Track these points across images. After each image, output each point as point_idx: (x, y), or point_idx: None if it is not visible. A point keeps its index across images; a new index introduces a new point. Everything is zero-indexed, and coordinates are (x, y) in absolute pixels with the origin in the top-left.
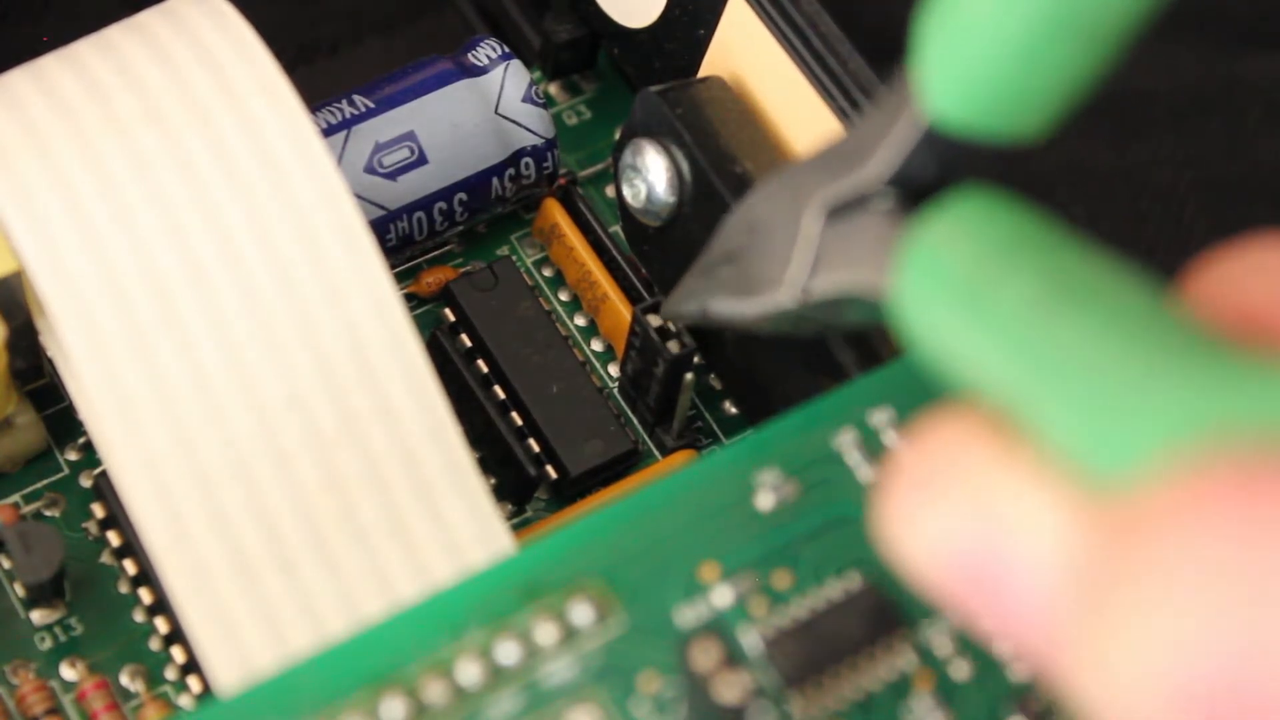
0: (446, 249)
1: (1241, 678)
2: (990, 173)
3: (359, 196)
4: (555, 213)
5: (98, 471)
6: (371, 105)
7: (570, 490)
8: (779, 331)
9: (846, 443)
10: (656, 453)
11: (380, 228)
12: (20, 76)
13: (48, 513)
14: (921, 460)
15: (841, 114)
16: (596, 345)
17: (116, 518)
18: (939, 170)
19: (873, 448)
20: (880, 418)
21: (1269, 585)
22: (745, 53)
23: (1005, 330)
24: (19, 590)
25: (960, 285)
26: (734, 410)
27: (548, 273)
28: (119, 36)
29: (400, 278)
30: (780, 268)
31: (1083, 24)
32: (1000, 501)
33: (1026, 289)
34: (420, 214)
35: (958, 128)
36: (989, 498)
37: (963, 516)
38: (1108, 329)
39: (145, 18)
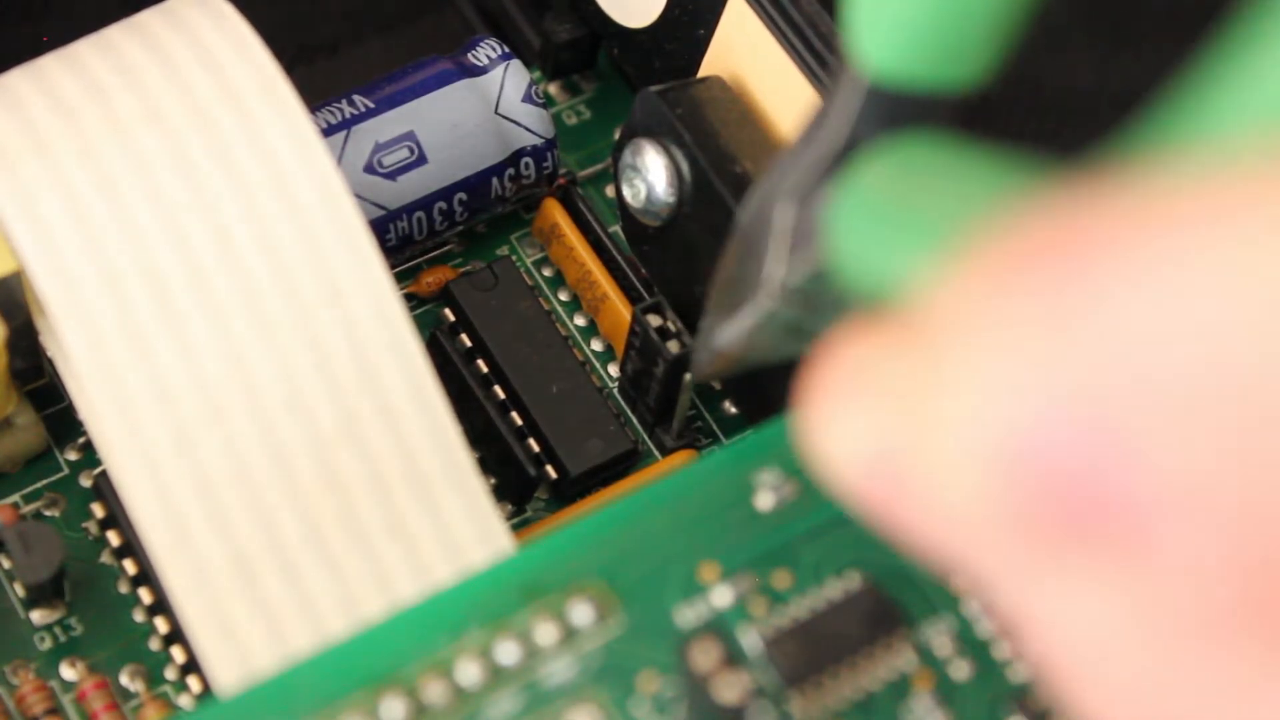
0: (446, 249)
1: (1057, 423)
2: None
3: (359, 196)
4: (555, 213)
5: (98, 471)
6: (371, 105)
7: (570, 490)
8: (786, 353)
9: None
10: (656, 453)
11: (380, 228)
12: (20, 76)
13: (48, 513)
14: (835, 369)
15: None
16: (596, 345)
17: (116, 518)
18: (891, 131)
19: None
20: None
21: (1042, 344)
22: (745, 53)
23: (909, 232)
24: (19, 590)
25: (877, 203)
26: (734, 410)
27: (548, 273)
28: (119, 36)
29: (400, 278)
30: (762, 271)
31: None
32: (903, 401)
33: (931, 197)
34: (420, 214)
35: (895, 81)
36: (892, 400)
37: (871, 420)
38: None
39: (145, 18)
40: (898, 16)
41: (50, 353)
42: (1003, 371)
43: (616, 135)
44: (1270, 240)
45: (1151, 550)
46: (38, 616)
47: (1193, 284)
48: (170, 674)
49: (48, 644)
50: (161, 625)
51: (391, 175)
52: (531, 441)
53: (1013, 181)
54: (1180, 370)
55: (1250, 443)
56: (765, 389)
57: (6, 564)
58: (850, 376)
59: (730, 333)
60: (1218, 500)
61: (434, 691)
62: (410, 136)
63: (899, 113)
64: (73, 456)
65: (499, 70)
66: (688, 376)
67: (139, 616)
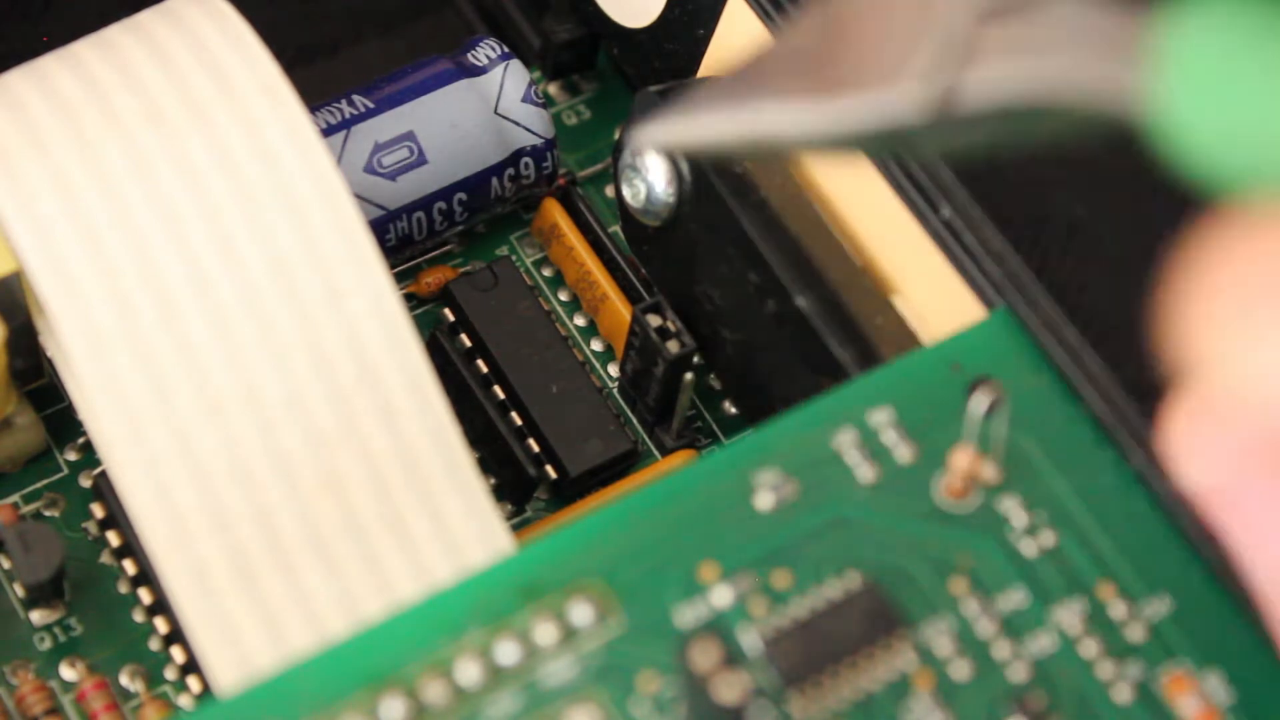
0: (446, 249)
1: None
2: None
3: (359, 196)
4: (555, 213)
5: (97, 471)
6: (371, 105)
7: (570, 490)
8: (848, 150)
9: (846, 443)
10: (656, 453)
11: (380, 228)
12: (20, 76)
13: (47, 513)
14: (1246, 273)
15: None
16: (596, 345)
17: (116, 518)
18: None
19: (872, 448)
20: (880, 418)
21: None
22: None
23: None
24: (19, 590)
25: (1253, 69)
26: (734, 410)
27: (547, 273)
28: (119, 36)
29: (400, 278)
30: (896, 59)
31: None
32: None
33: None
34: (420, 214)
35: None
36: None
37: None
38: None
39: (145, 17)
40: None
41: (50, 353)
42: None
43: (616, 135)
44: None
45: None
46: (38, 616)
47: None
48: (170, 674)
49: (47, 644)
50: (161, 625)
51: (391, 175)
52: (531, 441)
53: None
54: None
55: None
56: (765, 389)
57: (6, 564)
58: (1269, 285)
59: (801, 121)
60: None
61: (434, 691)
62: (410, 136)
63: None
64: (73, 456)
65: (499, 70)
66: (688, 376)
67: (139, 616)
